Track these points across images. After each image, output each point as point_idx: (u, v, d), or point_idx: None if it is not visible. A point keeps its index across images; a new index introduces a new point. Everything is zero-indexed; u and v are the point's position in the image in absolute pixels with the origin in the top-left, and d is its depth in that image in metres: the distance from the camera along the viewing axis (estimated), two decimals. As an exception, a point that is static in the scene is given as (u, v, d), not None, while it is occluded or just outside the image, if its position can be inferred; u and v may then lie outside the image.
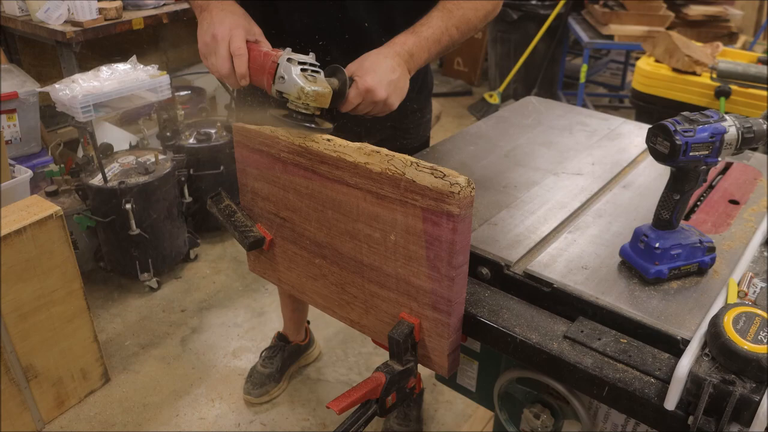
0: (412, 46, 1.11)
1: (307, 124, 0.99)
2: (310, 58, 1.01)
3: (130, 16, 2.86)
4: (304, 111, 0.99)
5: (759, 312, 0.81)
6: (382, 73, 1.06)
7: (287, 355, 2.16)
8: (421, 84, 1.48)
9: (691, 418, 0.78)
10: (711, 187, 1.27)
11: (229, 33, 1.05)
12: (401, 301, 0.97)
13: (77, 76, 2.39)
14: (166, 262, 2.67)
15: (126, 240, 2.44)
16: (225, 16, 1.08)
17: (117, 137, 2.84)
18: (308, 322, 2.26)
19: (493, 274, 1.02)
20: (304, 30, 1.27)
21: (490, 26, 4.44)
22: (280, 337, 2.17)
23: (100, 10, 2.74)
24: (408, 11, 1.22)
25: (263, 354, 2.16)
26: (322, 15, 1.25)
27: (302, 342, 2.22)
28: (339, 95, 1.03)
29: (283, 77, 0.98)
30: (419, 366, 0.99)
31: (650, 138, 0.92)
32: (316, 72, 1.00)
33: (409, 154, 0.89)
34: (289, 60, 0.99)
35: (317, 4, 1.25)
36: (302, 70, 0.98)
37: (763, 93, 2.42)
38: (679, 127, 0.88)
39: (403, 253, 0.92)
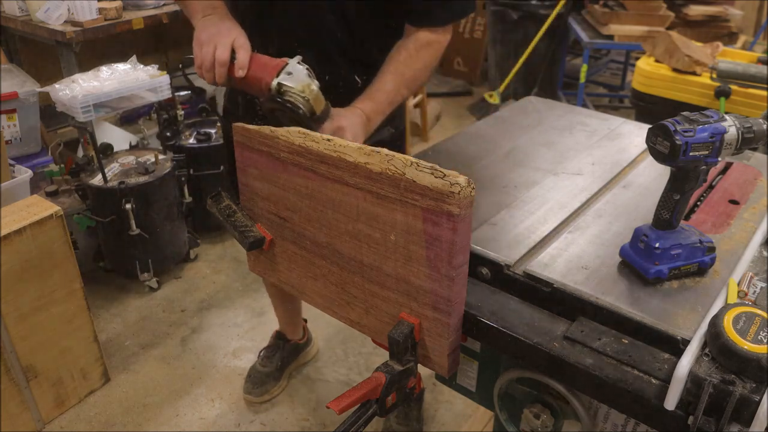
0: (370, 111, 1.25)
1: (298, 111, 1.11)
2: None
3: (130, 16, 2.86)
4: (301, 105, 1.11)
5: (759, 312, 0.81)
6: (353, 122, 1.20)
7: (286, 354, 2.17)
8: None
9: (691, 418, 0.78)
10: (711, 187, 1.27)
11: (235, 33, 1.17)
12: (401, 301, 0.97)
13: (77, 76, 2.39)
14: (166, 262, 2.67)
15: (126, 240, 2.44)
16: (233, 23, 1.21)
17: (117, 137, 2.84)
18: (305, 321, 2.26)
19: (493, 274, 1.02)
20: (280, 37, 1.37)
21: (490, 26, 4.44)
22: (279, 336, 2.17)
23: (100, 10, 2.74)
24: (377, 31, 1.36)
25: (261, 353, 2.16)
26: (299, 24, 1.36)
27: (300, 340, 2.22)
28: (320, 117, 1.15)
29: (290, 72, 1.12)
30: (419, 366, 0.99)
31: (650, 138, 0.92)
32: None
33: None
34: (299, 63, 1.13)
35: (296, 16, 1.34)
36: (308, 76, 1.13)
37: (763, 93, 2.41)
38: (679, 127, 0.88)
39: (403, 253, 0.92)
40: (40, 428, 2.00)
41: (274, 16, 1.35)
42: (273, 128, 1.05)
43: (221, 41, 1.14)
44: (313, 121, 1.13)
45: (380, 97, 1.28)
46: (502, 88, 4.16)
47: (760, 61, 2.67)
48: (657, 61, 2.77)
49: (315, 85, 1.12)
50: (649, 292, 0.95)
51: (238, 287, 2.70)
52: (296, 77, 1.12)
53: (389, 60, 1.32)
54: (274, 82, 1.12)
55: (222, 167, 2.77)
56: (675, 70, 2.65)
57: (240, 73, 1.14)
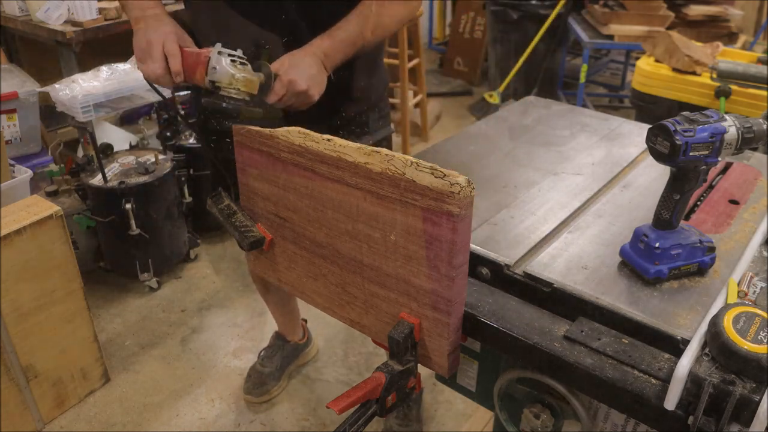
0: (327, 48, 1.25)
1: (238, 105, 1.14)
2: (238, 52, 1.16)
3: (130, 16, 2.85)
4: (235, 96, 1.14)
5: (759, 312, 0.81)
6: (302, 68, 1.20)
7: (286, 354, 2.17)
8: (369, 82, 1.54)
9: (691, 418, 0.78)
10: (711, 187, 1.27)
11: (162, 38, 1.20)
12: (401, 301, 0.97)
13: (77, 76, 2.39)
14: (166, 262, 2.67)
15: (126, 240, 2.44)
16: (158, 25, 1.24)
17: (117, 137, 2.84)
18: (305, 321, 2.27)
19: (493, 274, 1.02)
20: (246, 32, 1.37)
21: (490, 26, 4.44)
22: (279, 336, 2.17)
23: (100, 10, 2.74)
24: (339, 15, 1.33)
25: (261, 353, 2.16)
26: (264, 18, 1.36)
27: (300, 341, 2.22)
28: (266, 87, 1.17)
29: (215, 68, 1.14)
30: (419, 366, 0.99)
31: (650, 138, 0.92)
32: (244, 64, 1.15)
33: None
34: (219, 53, 1.15)
35: (260, 9, 1.35)
36: (232, 61, 1.15)
37: (763, 93, 2.41)
38: (679, 127, 0.88)
39: (403, 253, 0.92)
40: (40, 428, 2.00)
41: (236, 15, 1.35)
42: (272, 129, 1.05)
43: (153, 54, 1.19)
44: (257, 100, 1.16)
45: (340, 34, 1.27)
46: (502, 88, 4.16)
47: (760, 61, 2.66)
48: (657, 61, 2.76)
49: (239, 72, 1.13)
50: (649, 292, 0.95)
51: (238, 287, 2.69)
52: (220, 71, 1.14)
53: (355, 8, 1.32)
54: (207, 83, 1.15)
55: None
56: (675, 70, 2.65)
57: (178, 79, 1.19)
